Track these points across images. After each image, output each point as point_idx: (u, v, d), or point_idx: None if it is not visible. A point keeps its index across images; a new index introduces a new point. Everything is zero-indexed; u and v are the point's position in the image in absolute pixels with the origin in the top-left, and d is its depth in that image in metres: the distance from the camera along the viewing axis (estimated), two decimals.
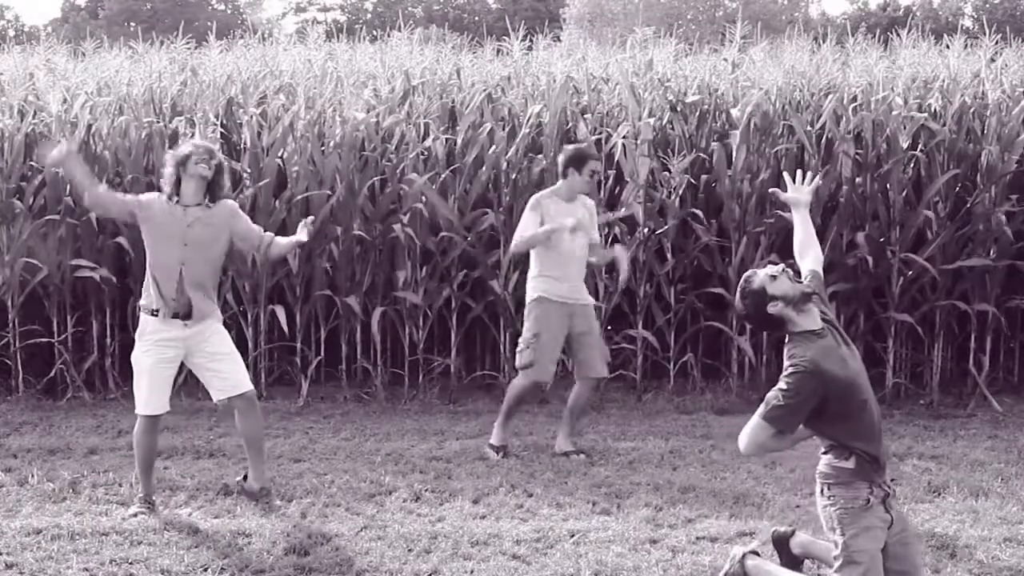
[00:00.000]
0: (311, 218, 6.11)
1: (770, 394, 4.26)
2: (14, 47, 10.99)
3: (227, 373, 5.86)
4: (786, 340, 4.38)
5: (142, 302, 5.86)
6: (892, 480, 4.53)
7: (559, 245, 6.81)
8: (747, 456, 4.88)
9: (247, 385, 5.91)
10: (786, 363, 4.28)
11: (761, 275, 4.40)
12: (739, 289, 4.48)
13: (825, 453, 4.35)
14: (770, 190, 5.50)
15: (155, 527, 5.48)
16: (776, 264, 4.49)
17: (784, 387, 4.21)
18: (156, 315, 5.75)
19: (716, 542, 5.34)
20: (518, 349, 7.00)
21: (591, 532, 5.47)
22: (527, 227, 6.86)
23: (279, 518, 5.67)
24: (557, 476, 6.51)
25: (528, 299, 6.99)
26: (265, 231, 6.12)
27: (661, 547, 5.27)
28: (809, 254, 4.80)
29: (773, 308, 4.33)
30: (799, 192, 4.96)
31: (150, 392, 5.76)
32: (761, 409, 4.24)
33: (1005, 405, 8.44)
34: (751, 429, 4.29)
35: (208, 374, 5.90)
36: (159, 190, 5.98)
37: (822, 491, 4.34)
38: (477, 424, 7.80)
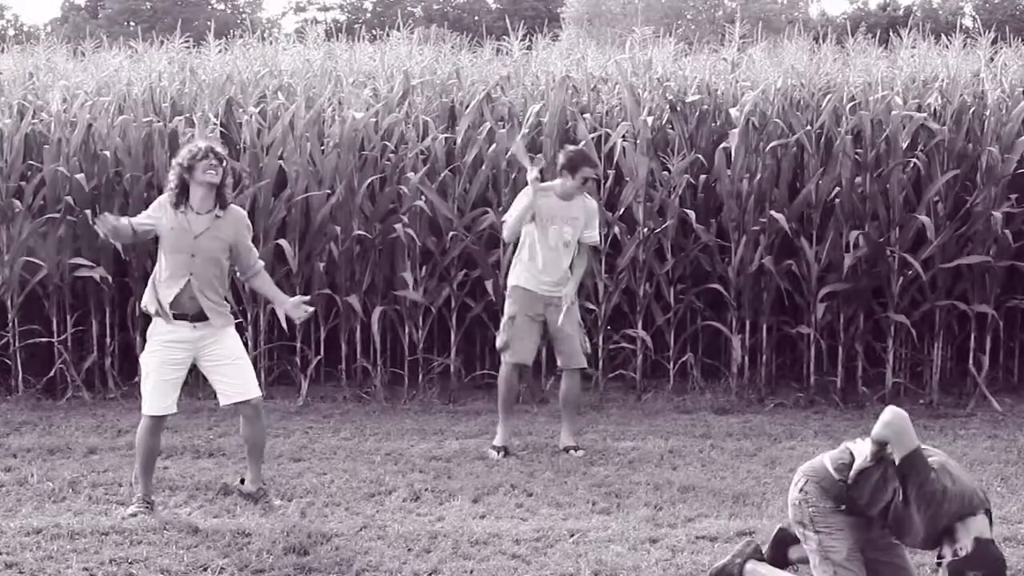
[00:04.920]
0: (307, 304, 6.09)
1: None
2: (14, 46, 10.97)
3: (234, 378, 5.80)
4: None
5: (144, 302, 5.80)
6: None
7: (544, 237, 7.00)
8: None
9: (254, 392, 5.84)
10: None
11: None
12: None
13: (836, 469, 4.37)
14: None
15: (155, 527, 5.48)
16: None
17: None
18: (158, 316, 5.71)
19: (715, 541, 5.34)
20: (498, 332, 7.19)
21: (591, 531, 5.47)
22: (514, 211, 7.09)
23: (279, 518, 5.67)
24: (557, 476, 6.51)
25: (509, 285, 7.18)
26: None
27: (661, 546, 5.27)
28: None
29: None
30: None
31: (154, 393, 5.71)
32: None
33: (1005, 405, 8.45)
34: None
35: (215, 378, 5.84)
36: (160, 191, 5.94)
37: (801, 487, 4.39)
38: (477, 424, 7.80)
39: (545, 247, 7.02)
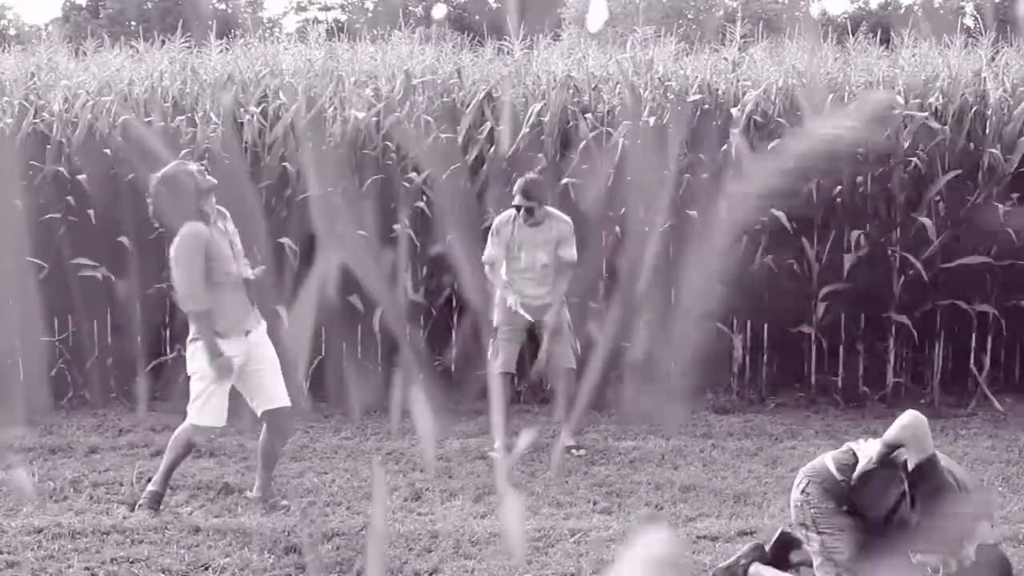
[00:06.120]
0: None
1: None
2: (15, 46, 10.97)
3: (268, 385, 5.74)
4: None
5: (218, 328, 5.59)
6: None
7: (517, 264, 7.16)
8: None
9: (285, 400, 5.78)
10: None
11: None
12: None
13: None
14: None
15: (156, 526, 5.48)
16: None
17: None
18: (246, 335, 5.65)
19: (716, 541, 5.34)
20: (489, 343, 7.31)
21: (592, 531, 5.47)
22: (489, 251, 7.23)
23: (279, 517, 5.67)
24: (558, 475, 6.51)
25: (496, 295, 7.26)
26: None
27: None
28: None
29: None
30: None
31: (219, 405, 5.63)
32: None
33: (1006, 404, 8.44)
34: None
35: (252, 383, 5.74)
36: None
37: (803, 488, 4.38)
38: (477, 424, 7.80)
39: (518, 272, 7.14)
